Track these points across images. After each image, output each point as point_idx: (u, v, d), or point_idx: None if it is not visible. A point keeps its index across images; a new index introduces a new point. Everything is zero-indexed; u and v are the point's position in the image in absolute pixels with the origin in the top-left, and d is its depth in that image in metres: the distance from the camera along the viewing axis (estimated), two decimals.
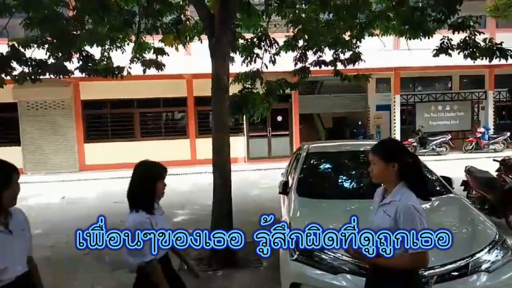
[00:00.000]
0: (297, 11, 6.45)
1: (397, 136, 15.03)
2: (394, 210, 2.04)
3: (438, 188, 4.03)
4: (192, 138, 14.38)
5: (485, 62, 6.34)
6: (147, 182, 2.35)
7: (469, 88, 16.24)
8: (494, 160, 6.42)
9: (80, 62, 6.24)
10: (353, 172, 4.55)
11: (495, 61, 6.07)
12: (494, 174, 6.12)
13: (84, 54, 6.20)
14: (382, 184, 2.24)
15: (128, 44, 6.73)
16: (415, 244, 1.95)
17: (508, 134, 14.78)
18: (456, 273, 2.69)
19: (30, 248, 2.16)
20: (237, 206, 5.43)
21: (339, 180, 4.42)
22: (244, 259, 4.73)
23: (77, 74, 6.37)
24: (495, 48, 5.82)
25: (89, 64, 6.33)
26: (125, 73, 6.52)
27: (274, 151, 14.88)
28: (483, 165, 6.92)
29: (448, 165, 10.50)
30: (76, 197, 9.73)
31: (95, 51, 6.39)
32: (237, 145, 14.25)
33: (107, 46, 6.48)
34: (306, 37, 6.67)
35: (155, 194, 2.36)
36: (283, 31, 7.65)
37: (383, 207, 2.14)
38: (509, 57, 5.85)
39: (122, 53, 6.73)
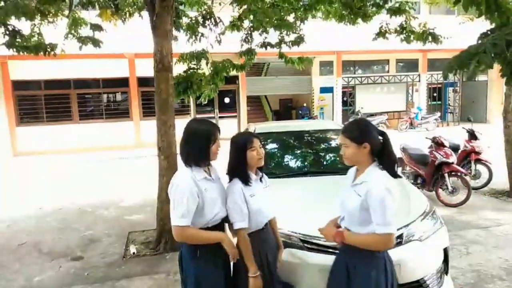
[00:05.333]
0: None
1: (339, 117, 15.65)
2: (365, 190, 2.00)
3: None
4: (136, 121, 13.87)
5: (419, 46, 6.73)
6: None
7: (404, 71, 17.25)
8: (426, 138, 6.90)
9: (6, 37, 5.68)
10: (299, 151, 4.66)
11: (428, 46, 6.47)
12: (426, 151, 6.60)
13: (10, 29, 5.65)
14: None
15: (61, 19, 6.25)
16: (382, 225, 1.94)
17: (439, 114, 16.04)
18: None
19: None
20: None
21: (286, 159, 4.52)
22: None
23: (4, 51, 5.82)
24: (428, 32, 6.19)
25: (17, 40, 5.79)
26: (58, 50, 6.06)
27: (222, 133, 14.73)
28: (416, 143, 7.44)
29: None
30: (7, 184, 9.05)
31: (24, 26, 5.85)
32: (184, 126, 14.01)
33: (37, 21, 5.96)
34: (252, 17, 6.62)
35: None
36: (229, 11, 7.53)
37: (354, 187, 2.10)
38: (439, 42, 6.28)
39: (55, 28, 6.25)
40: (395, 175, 2.08)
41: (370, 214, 1.98)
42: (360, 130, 2.09)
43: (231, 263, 2.35)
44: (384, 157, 2.08)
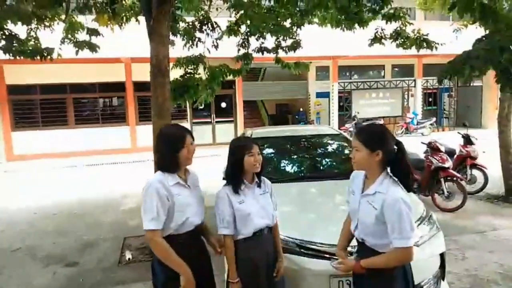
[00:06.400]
0: None
1: (335, 122, 15.69)
2: (381, 203, 1.91)
3: None
4: (132, 125, 13.83)
5: (414, 52, 6.79)
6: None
7: (400, 76, 17.35)
8: (422, 143, 6.93)
9: (3, 42, 5.67)
10: (296, 156, 4.67)
11: (423, 51, 6.53)
12: (422, 155, 6.62)
13: (7, 33, 5.64)
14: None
15: (58, 23, 6.25)
16: (401, 239, 1.87)
17: (434, 119, 16.14)
18: None
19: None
20: None
21: (282, 164, 4.51)
22: None
23: (0, 55, 5.80)
24: (422, 39, 6.26)
25: (14, 44, 5.78)
26: (55, 55, 6.05)
27: (218, 138, 14.81)
28: (412, 148, 7.46)
29: None
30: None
31: (20, 30, 5.85)
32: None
33: (33, 25, 5.96)
34: (249, 22, 6.65)
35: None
36: (225, 16, 7.56)
37: (367, 198, 2.01)
38: (434, 48, 6.34)
39: (52, 33, 6.24)
40: (408, 188, 2.00)
41: (386, 227, 1.91)
42: (375, 136, 2.00)
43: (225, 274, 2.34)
44: (397, 168, 1.99)
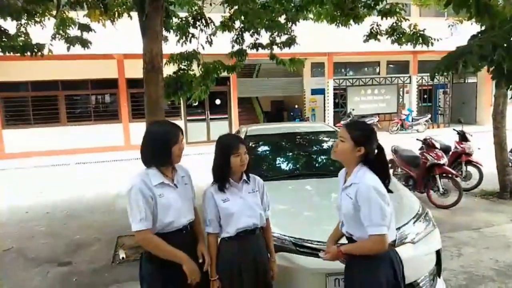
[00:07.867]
0: None
1: (331, 118, 15.68)
2: (355, 192, 1.99)
3: None
4: (125, 123, 13.71)
5: (410, 48, 6.76)
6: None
7: (395, 73, 17.36)
8: (417, 139, 6.92)
9: None
10: (291, 153, 4.62)
11: (418, 48, 6.50)
12: (417, 152, 6.61)
13: None
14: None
15: (49, 19, 6.14)
16: (372, 226, 1.92)
17: (429, 116, 16.16)
18: None
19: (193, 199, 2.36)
20: None
21: (277, 161, 4.47)
22: None
23: None
24: (418, 34, 6.23)
25: (4, 40, 5.66)
26: (46, 51, 5.94)
27: (213, 135, 14.72)
28: (407, 145, 7.46)
29: None
30: None
31: (10, 26, 5.73)
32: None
33: (24, 21, 5.84)
34: (243, 18, 6.58)
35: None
36: (219, 11, 7.48)
37: (345, 190, 2.09)
38: (430, 44, 6.31)
39: (42, 28, 6.14)
40: (385, 186, 2.04)
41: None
42: (364, 133, 2.07)
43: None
44: (376, 169, 2.06)
